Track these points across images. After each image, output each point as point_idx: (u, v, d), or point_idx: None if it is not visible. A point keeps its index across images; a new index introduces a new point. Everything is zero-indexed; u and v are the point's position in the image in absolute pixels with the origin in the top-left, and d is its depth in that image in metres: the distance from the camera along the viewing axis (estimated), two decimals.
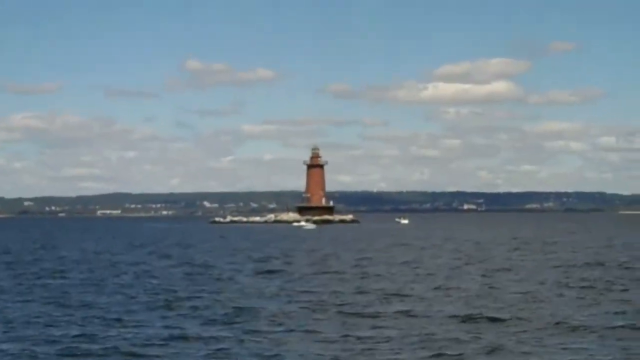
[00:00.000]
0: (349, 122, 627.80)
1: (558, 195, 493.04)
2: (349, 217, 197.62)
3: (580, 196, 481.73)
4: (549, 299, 32.67)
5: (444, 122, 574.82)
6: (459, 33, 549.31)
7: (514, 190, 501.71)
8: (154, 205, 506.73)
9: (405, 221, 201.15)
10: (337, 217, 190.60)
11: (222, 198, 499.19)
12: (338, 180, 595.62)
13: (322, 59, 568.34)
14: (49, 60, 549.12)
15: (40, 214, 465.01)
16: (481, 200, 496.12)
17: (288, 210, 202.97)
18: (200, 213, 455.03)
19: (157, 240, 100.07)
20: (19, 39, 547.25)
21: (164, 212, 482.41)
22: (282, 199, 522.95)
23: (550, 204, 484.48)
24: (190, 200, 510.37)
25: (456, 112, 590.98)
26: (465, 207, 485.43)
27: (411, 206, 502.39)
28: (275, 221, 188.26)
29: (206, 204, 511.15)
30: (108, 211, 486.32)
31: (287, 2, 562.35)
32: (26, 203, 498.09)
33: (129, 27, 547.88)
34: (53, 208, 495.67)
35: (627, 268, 49.08)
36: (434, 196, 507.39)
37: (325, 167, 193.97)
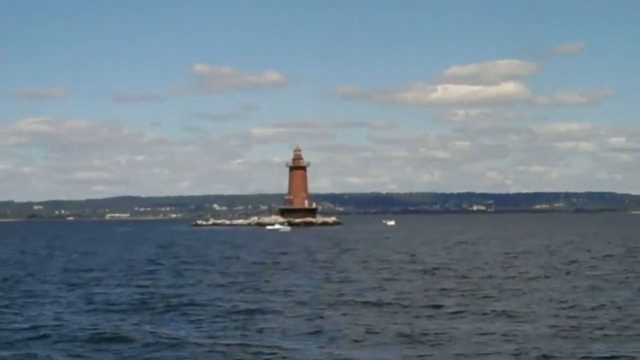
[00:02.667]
0: (358, 124, 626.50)
1: (568, 196, 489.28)
2: (332, 219, 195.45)
3: (591, 196, 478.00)
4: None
5: (453, 123, 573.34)
6: (468, 35, 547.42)
7: (524, 191, 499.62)
8: (163, 209, 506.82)
9: (392, 222, 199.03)
10: (319, 220, 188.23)
11: (231, 201, 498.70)
12: (347, 182, 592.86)
13: (330, 61, 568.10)
14: (57, 65, 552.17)
15: (50, 218, 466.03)
16: (491, 201, 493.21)
17: (271, 212, 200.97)
18: (209, 216, 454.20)
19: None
20: (27, 45, 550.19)
21: (173, 215, 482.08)
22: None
23: (560, 205, 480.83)
24: (200, 203, 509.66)
25: (465, 114, 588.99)
26: (475, 208, 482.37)
27: (421, 207, 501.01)
28: (257, 224, 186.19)
29: (215, 206, 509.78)
30: (117, 214, 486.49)
31: (294, 5, 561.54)
32: (36, 207, 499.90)
33: (137, 31, 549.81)
34: (62, 212, 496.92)
35: None
36: (444, 197, 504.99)
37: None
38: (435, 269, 49.48)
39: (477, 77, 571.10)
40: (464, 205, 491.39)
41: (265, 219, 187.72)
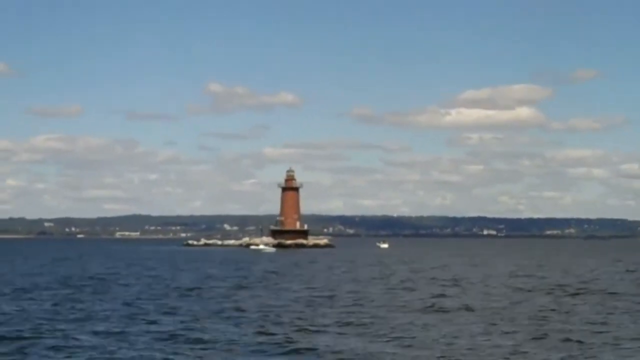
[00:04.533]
0: (371, 146, 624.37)
1: (579, 222, 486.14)
2: (324, 241, 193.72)
3: (602, 223, 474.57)
4: None
5: (467, 147, 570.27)
6: (483, 59, 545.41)
7: (536, 216, 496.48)
8: (173, 228, 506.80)
9: (385, 245, 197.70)
10: (310, 241, 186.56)
11: (242, 221, 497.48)
12: (359, 204, 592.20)
13: (344, 83, 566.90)
14: (71, 82, 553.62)
15: (60, 235, 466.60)
16: (502, 226, 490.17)
17: (262, 233, 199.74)
18: (219, 236, 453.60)
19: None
20: (41, 61, 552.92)
21: (183, 234, 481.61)
22: (305, 222, 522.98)
23: (572, 231, 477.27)
24: (211, 223, 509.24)
25: (479, 138, 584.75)
26: (485, 232, 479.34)
27: (432, 231, 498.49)
28: (248, 244, 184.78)
29: (226, 226, 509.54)
30: (127, 233, 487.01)
31: (309, 25, 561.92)
32: (47, 224, 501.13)
33: (152, 50, 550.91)
34: (73, 229, 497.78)
35: None
36: (455, 221, 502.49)
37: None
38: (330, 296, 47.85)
39: (491, 101, 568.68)
40: (475, 230, 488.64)
41: (256, 240, 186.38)
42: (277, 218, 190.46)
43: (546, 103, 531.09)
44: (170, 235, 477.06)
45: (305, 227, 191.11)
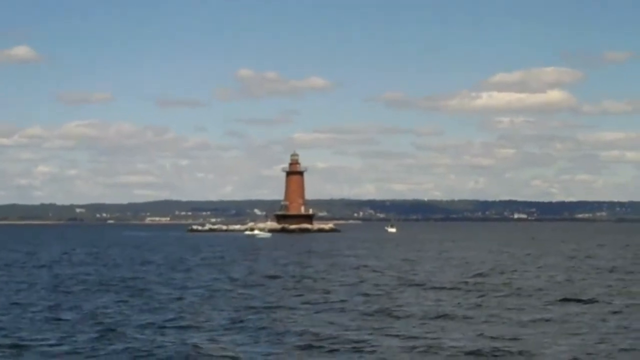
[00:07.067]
0: (402, 130, 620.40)
1: (611, 205, 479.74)
2: (329, 226, 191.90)
3: (634, 206, 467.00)
4: None
5: (498, 131, 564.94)
6: (513, 41, 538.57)
7: (568, 199, 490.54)
8: (203, 213, 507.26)
9: (393, 230, 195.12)
10: (315, 226, 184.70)
11: (272, 206, 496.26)
12: (390, 188, 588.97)
13: (375, 67, 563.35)
14: (103, 69, 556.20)
15: (90, 221, 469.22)
16: (533, 210, 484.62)
17: (267, 218, 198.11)
18: (248, 221, 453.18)
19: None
20: (73, 48, 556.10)
21: (213, 220, 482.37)
22: (335, 207, 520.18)
23: (603, 214, 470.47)
24: (240, 208, 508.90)
25: (510, 121, 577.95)
26: (516, 216, 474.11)
27: (463, 215, 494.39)
28: (252, 229, 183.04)
29: (256, 211, 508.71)
30: (157, 218, 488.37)
31: (340, 11, 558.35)
32: (78, 210, 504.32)
33: (182, 36, 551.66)
34: (103, 215, 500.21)
35: None
36: (486, 205, 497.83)
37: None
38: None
39: (522, 84, 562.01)
40: (506, 213, 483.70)
41: (260, 225, 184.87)
42: (282, 203, 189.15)
43: (578, 85, 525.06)
44: (201, 221, 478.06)
45: (310, 211, 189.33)
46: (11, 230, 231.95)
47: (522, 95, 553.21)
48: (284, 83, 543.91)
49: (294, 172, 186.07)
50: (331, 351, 22.75)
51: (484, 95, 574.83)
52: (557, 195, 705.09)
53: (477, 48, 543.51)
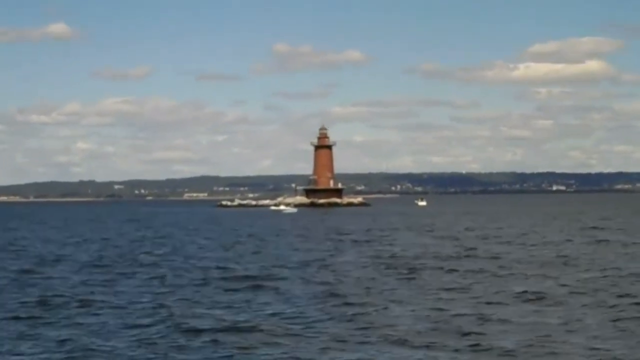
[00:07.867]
0: (439, 102, 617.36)
1: None
2: (358, 199, 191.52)
3: None
4: None
5: (536, 102, 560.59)
6: (550, 11, 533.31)
7: (606, 171, 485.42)
8: (241, 188, 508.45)
9: (423, 203, 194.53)
10: (345, 200, 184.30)
11: (310, 180, 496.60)
12: (428, 161, 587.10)
13: (411, 39, 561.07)
14: (139, 44, 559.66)
15: (129, 198, 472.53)
16: (572, 181, 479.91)
17: (296, 193, 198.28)
18: (286, 195, 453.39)
19: None
20: (109, 25, 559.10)
21: (250, 195, 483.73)
22: (373, 181, 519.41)
23: None
24: (278, 183, 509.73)
25: (548, 92, 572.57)
26: (555, 188, 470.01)
27: (501, 187, 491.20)
28: (280, 204, 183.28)
29: (293, 186, 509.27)
30: (195, 194, 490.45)
31: None
32: (116, 187, 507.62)
33: (218, 11, 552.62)
34: (142, 191, 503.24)
35: None
36: (524, 177, 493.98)
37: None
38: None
39: (560, 54, 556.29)
40: (544, 185, 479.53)
41: (288, 200, 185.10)
42: (310, 177, 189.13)
43: (616, 55, 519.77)
44: (238, 196, 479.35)
45: (340, 185, 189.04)
46: (66, 209, 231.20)
47: (560, 66, 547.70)
48: (321, 57, 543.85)
49: (323, 146, 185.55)
50: None
51: (521, 66, 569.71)
52: (596, 166, 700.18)
53: (514, 18, 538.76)
